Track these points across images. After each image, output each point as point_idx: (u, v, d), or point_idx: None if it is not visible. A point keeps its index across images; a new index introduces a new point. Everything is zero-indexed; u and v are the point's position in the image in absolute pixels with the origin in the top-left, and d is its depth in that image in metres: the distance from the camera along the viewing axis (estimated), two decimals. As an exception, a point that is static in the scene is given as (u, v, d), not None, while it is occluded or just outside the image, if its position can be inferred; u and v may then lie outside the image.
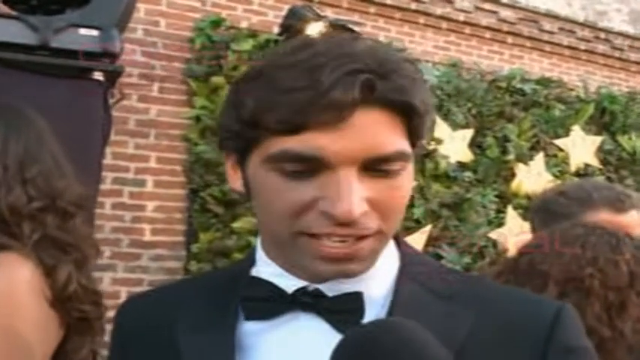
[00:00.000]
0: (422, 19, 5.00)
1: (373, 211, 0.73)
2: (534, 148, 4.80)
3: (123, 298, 3.48)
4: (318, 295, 0.77)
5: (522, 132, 4.76)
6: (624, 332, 1.16)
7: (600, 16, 6.04)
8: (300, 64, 0.71)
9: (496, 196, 4.54)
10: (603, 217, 1.60)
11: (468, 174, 4.50)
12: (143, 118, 3.88)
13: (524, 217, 4.13)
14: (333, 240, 0.72)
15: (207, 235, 3.80)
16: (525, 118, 4.81)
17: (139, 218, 3.82)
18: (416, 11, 4.95)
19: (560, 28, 5.57)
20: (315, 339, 0.75)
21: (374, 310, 0.77)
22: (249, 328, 0.79)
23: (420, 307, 0.77)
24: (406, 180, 0.75)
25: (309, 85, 0.69)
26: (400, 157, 0.73)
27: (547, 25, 5.50)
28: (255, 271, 0.83)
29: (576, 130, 4.95)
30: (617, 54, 5.86)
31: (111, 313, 0.92)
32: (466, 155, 4.51)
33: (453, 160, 4.43)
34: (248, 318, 0.79)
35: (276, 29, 4.15)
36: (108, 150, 3.20)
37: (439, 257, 4.16)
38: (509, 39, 5.36)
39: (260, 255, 0.83)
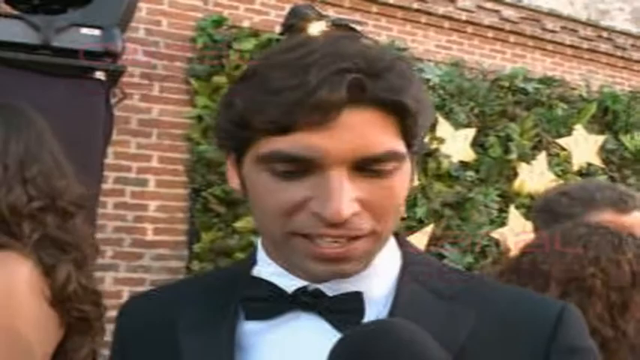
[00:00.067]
0: (424, 18, 4.99)
1: (366, 212, 0.72)
2: (537, 147, 4.80)
3: (125, 297, 3.48)
4: (319, 294, 0.77)
5: (525, 131, 4.75)
6: (627, 332, 1.16)
7: (603, 15, 6.04)
8: (291, 63, 0.70)
9: (498, 196, 4.54)
10: (606, 217, 1.60)
11: (470, 173, 4.50)
12: (145, 118, 3.88)
13: (527, 217, 4.12)
14: (325, 241, 0.72)
15: (209, 234, 3.80)
16: (528, 117, 4.80)
17: (141, 218, 3.82)
18: (418, 10, 4.94)
19: (563, 27, 5.56)
20: (316, 339, 0.74)
21: (375, 309, 0.77)
22: (250, 327, 0.79)
23: (422, 307, 0.77)
24: (400, 180, 0.74)
25: (297, 84, 0.68)
26: (392, 157, 0.72)
27: (549, 24, 5.49)
28: (256, 271, 0.82)
29: (579, 130, 4.95)
30: (619, 53, 5.85)
31: (113, 313, 0.92)
32: (468, 155, 4.51)
33: (455, 159, 4.43)
34: (248, 318, 0.79)
35: (278, 28, 4.14)
36: (110, 149, 3.21)
37: (441, 257, 4.16)
38: (512, 38, 5.35)
39: (261, 255, 0.83)
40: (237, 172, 0.79)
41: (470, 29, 5.18)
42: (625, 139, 5.20)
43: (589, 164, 4.96)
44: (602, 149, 5.04)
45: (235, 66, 3.89)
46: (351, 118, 0.69)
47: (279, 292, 0.78)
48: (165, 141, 3.91)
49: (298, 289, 0.77)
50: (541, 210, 1.79)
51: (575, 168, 4.88)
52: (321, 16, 3.85)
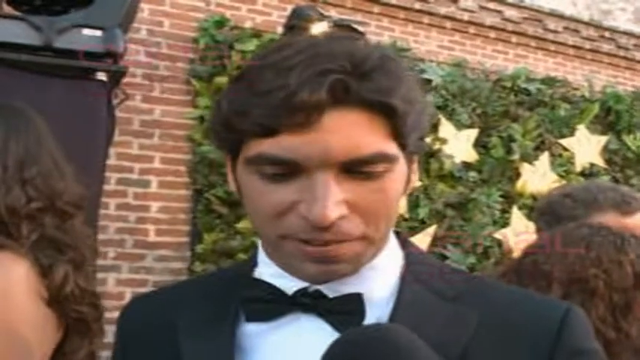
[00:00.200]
0: (426, 19, 4.99)
1: (355, 215, 0.71)
2: (539, 147, 4.79)
3: (127, 298, 3.48)
4: (319, 296, 0.76)
5: (527, 132, 4.75)
6: (630, 334, 1.15)
7: (605, 15, 6.02)
8: (277, 64, 0.70)
9: (501, 196, 4.54)
10: (609, 219, 1.59)
11: (472, 174, 4.49)
12: (147, 119, 3.88)
13: (530, 217, 4.12)
14: (314, 243, 0.71)
15: (211, 235, 3.80)
16: (530, 117, 4.79)
17: (144, 219, 3.82)
18: (420, 11, 4.94)
19: (565, 28, 5.56)
20: (316, 340, 0.73)
21: (377, 310, 0.76)
22: (250, 329, 0.78)
23: (424, 308, 0.77)
24: (392, 182, 0.73)
25: (280, 86, 0.68)
26: (381, 158, 0.70)
27: (552, 24, 5.48)
28: (256, 273, 0.82)
29: (581, 130, 4.94)
30: (622, 53, 5.84)
31: (116, 314, 0.92)
32: (471, 155, 4.50)
33: (457, 160, 4.42)
34: (249, 319, 0.78)
35: (280, 29, 4.14)
36: (112, 150, 3.20)
37: (444, 257, 4.15)
38: (514, 38, 5.35)
39: (261, 256, 0.83)
40: (232, 174, 0.79)
41: (472, 30, 5.18)
42: (628, 139, 5.19)
43: (592, 165, 4.96)
44: (605, 150, 5.03)
45: (237, 67, 3.89)
46: (336, 119, 0.68)
47: (279, 294, 0.77)
48: (167, 142, 3.91)
49: (298, 291, 0.77)
50: (544, 212, 1.78)
51: (578, 168, 4.88)
52: (323, 17, 3.84)
